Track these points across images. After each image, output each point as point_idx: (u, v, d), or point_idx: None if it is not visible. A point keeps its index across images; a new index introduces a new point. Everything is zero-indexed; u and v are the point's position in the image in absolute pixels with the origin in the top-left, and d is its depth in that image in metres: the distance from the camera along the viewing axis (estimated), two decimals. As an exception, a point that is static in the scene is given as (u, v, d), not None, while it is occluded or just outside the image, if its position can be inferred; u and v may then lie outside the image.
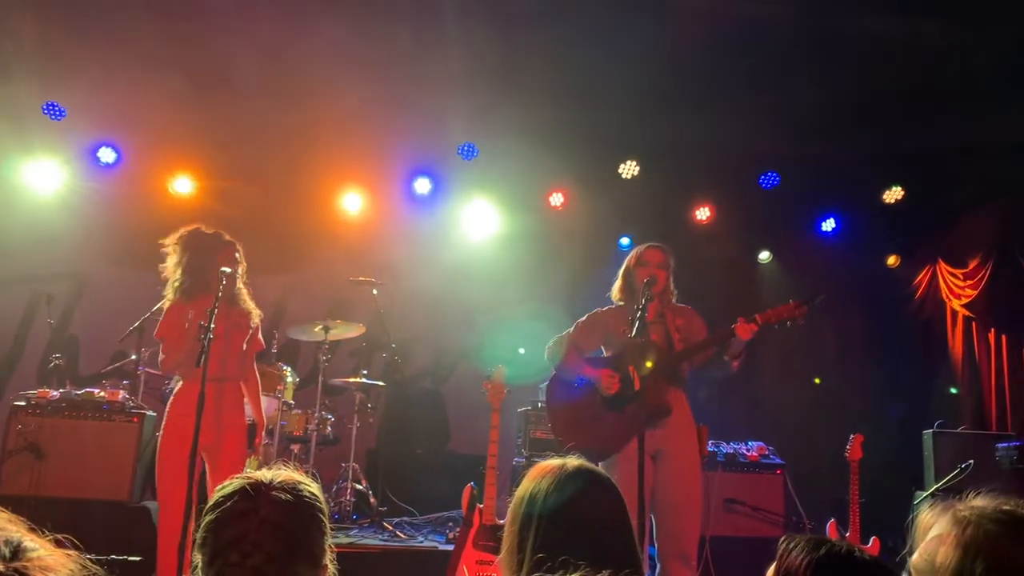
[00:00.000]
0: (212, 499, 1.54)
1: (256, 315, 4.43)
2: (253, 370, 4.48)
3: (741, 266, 8.25)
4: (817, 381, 7.86)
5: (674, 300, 4.26)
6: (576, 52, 6.47)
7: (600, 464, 3.99)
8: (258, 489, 1.52)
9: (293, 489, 1.55)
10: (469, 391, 7.39)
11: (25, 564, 0.70)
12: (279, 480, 1.55)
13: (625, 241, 7.98)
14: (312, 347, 7.00)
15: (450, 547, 4.84)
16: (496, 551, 4.34)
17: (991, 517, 1.33)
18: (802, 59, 6.37)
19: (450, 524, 5.95)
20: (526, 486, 1.83)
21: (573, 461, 1.85)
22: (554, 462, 1.85)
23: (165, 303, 4.30)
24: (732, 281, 8.07)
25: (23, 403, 5.17)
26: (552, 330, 4.44)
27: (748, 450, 5.68)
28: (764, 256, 8.32)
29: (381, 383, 6.82)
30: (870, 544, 4.88)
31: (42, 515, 0.88)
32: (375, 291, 6.81)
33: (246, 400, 4.42)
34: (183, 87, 6.49)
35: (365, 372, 6.80)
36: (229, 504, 1.50)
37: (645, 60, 6.52)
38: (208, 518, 1.52)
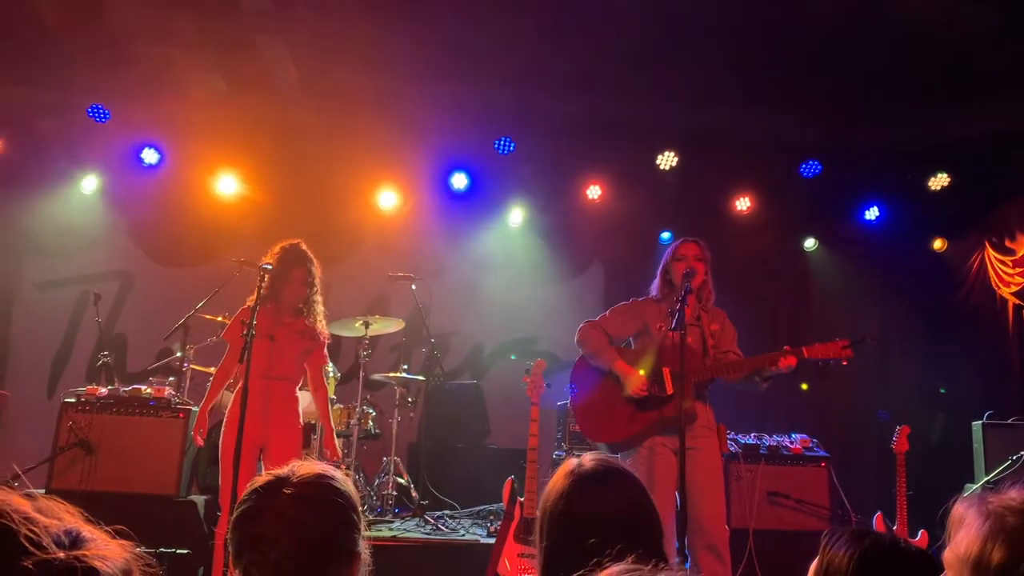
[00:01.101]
0: (242, 496, 1.55)
1: (324, 333, 4.61)
2: (323, 383, 4.70)
3: (782, 256, 8.14)
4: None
5: (712, 301, 4.21)
6: (612, 43, 6.44)
7: (619, 455, 3.99)
8: (273, 485, 1.51)
9: (312, 483, 1.53)
10: (508, 385, 7.41)
11: (84, 553, 0.72)
12: (298, 475, 1.53)
13: (666, 235, 7.93)
14: (352, 342, 7.06)
15: (491, 540, 4.86)
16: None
17: (1015, 510, 1.32)
18: (843, 46, 6.27)
19: (491, 517, 5.97)
20: (548, 491, 1.81)
21: (589, 459, 1.83)
22: (572, 462, 1.84)
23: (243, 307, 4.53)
24: (773, 272, 7.98)
25: (73, 400, 5.29)
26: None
27: (791, 442, 5.59)
28: (810, 244, 8.19)
29: (421, 378, 6.86)
30: (919, 537, 4.79)
31: (93, 509, 0.89)
32: (414, 286, 6.85)
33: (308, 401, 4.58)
34: (224, 88, 6.59)
35: (405, 367, 6.84)
36: (250, 501, 1.50)
37: (682, 50, 6.46)
38: (235, 515, 1.53)
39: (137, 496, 5.03)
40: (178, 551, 4.74)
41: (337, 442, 6.27)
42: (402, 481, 6.39)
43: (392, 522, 5.86)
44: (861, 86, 6.69)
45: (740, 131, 7.17)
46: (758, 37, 6.31)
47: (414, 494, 6.33)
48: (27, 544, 0.70)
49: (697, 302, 4.11)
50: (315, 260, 4.58)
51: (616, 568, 1.14)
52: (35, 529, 0.72)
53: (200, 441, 4.42)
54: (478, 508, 6.39)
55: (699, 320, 4.09)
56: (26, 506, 0.76)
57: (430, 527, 5.67)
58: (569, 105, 7.17)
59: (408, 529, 5.62)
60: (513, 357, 7.03)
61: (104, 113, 7.18)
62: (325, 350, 4.70)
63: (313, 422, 6.07)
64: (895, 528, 4.85)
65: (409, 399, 6.77)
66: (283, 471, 1.55)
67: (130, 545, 0.80)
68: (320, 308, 4.61)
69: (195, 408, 5.46)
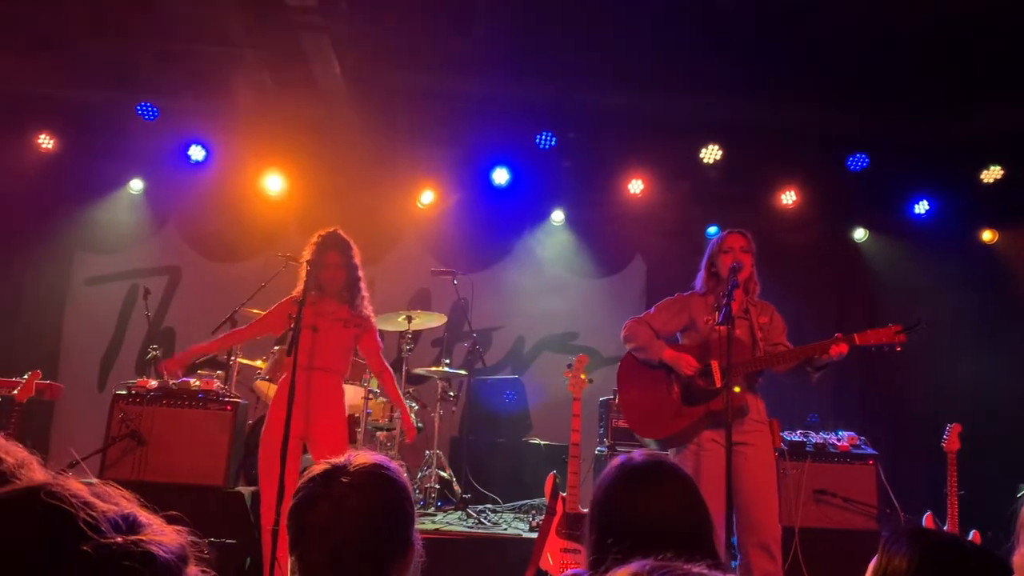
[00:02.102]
0: (298, 484, 1.58)
1: (368, 317, 4.53)
2: (384, 366, 4.63)
3: (829, 250, 7.99)
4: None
5: (758, 293, 4.13)
6: (654, 36, 6.38)
7: (670, 451, 3.97)
8: (330, 474, 1.53)
9: (369, 473, 1.54)
10: (550, 380, 7.41)
11: (141, 538, 0.73)
12: (354, 465, 1.55)
13: (713, 230, 7.85)
14: (395, 337, 7.12)
15: (534, 535, 4.86)
16: (580, 539, 4.34)
17: None
18: (890, 36, 6.14)
19: (533, 512, 5.97)
20: (598, 486, 1.83)
21: (640, 454, 1.85)
22: (623, 458, 1.85)
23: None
24: (820, 266, 7.85)
25: (124, 392, 5.40)
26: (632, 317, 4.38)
27: (838, 440, 5.50)
28: (860, 235, 8.01)
29: (463, 372, 6.88)
30: (970, 538, 4.69)
31: (143, 499, 0.91)
32: (456, 281, 6.88)
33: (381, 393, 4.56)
34: (269, 85, 6.66)
35: (447, 361, 6.87)
36: (307, 489, 1.52)
37: (725, 43, 6.38)
38: (292, 503, 1.55)
39: (186, 487, 5.12)
40: (226, 541, 4.81)
41: (381, 435, 6.36)
42: (444, 475, 6.42)
43: (435, 515, 5.90)
44: (909, 77, 6.55)
45: (785, 124, 7.08)
46: (802, 29, 6.22)
47: (456, 488, 6.36)
48: (85, 528, 0.71)
49: (744, 295, 4.04)
50: (353, 245, 4.52)
51: (636, 565, 1.12)
52: (93, 514, 0.73)
53: (167, 371, 4.44)
54: (520, 503, 6.40)
55: (747, 313, 4.02)
56: (84, 491, 0.78)
57: (472, 520, 5.69)
58: (611, 99, 7.14)
59: (451, 522, 5.65)
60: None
61: (153, 111, 7.32)
62: (377, 334, 4.61)
63: (359, 415, 6.13)
64: (945, 528, 4.75)
65: (451, 393, 6.80)
66: (340, 460, 1.57)
67: (185, 531, 0.81)
68: (363, 293, 4.54)
69: (243, 402, 5.55)
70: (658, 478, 1.76)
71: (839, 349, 3.70)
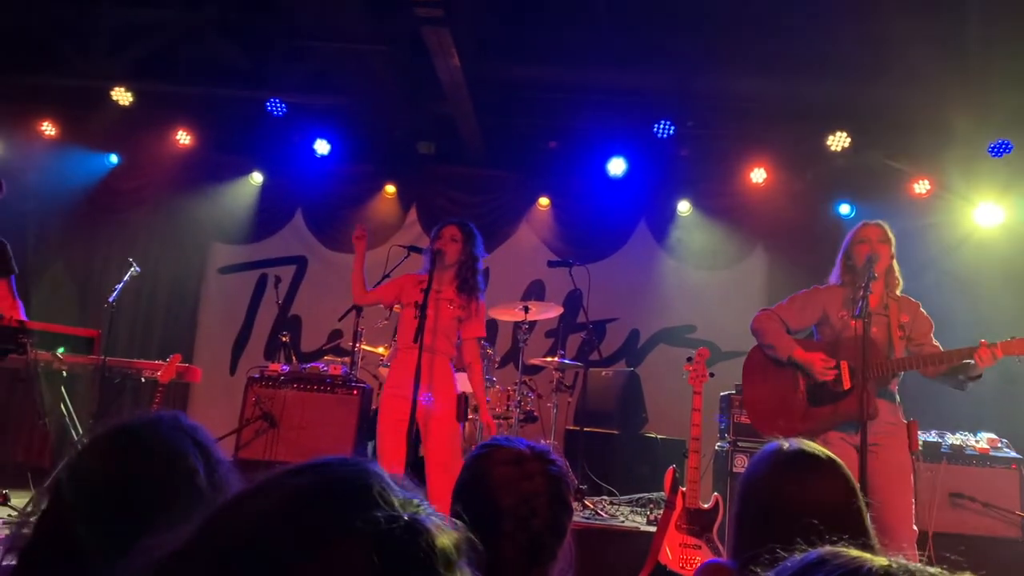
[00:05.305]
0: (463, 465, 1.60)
1: (477, 303, 4.52)
2: (475, 355, 4.58)
3: (972, 241, 7.49)
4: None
5: (899, 288, 3.90)
6: (775, 20, 6.20)
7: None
8: (516, 459, 1.57)
9: (539, 459, 1.58)
10: (666, 373, 7.32)
11: (422, 517, 0.77)
12: (525, 451, 1.59)
13: (845, 209, 7.52)
14: (510, 327, 7.18)
15: (652, 528, 4.83)
16: (700, 535, 4.27)
17: None
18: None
19: (651, 506, 5.92)
20: (750, 469, 1.81)
21: (792, 443, 1.80)
22: (782, 442, 1.82)
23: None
24: (965, 258, 7.36)
25: (258, 376, 5.67)
26: (751, 310, 4.26)
27: (977, 441, 5.22)
28: (998, 218, 7.41)
29: (579, 363, 6.88)
30: None
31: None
32: (571, 272, 6.87)
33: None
34: (393, 81, 6.82)
35: (562, 352, 6.88)
36: (480, 470, 1.56)
37: (853, 24, 6.13)
38: (458, 484, 1.59)
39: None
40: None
41: (500, 423, 6.43)
42: (560, 465, 6.43)
43: (551, 505, 5.92)
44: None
45: (923, 109, 6.72)
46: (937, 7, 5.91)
47: (572, 478, 6.36)
48: (380, 500, 0.75)
49: (884, 289, 3.84)
50: (478, 234, 4.58)
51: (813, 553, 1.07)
52: (386, 490, 0.77)
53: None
54: (637, 496, 6.35)
55: (886, 309, 3.81)
56: (385, 472, 0.82)
57: (589, 512, 5.69)
58: (731, 85, 6.97)
59: (567, 513, 5.65)
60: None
61: (281, 107, 7.61)
62: (481, 320, 4.56)
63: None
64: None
65: (565, 384, 6.81)
66: (522, 447, 1.61)
67: (459, 524, 0.82)
68: (476, 277, 4.54)
69: (368, 387, 5.74)
70: (815, 466, 1.72)
71: (987, 355, 3.44)
